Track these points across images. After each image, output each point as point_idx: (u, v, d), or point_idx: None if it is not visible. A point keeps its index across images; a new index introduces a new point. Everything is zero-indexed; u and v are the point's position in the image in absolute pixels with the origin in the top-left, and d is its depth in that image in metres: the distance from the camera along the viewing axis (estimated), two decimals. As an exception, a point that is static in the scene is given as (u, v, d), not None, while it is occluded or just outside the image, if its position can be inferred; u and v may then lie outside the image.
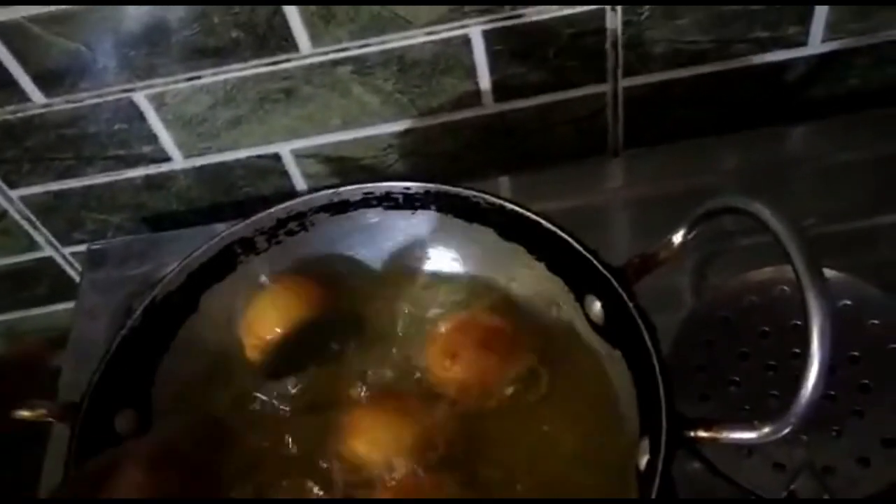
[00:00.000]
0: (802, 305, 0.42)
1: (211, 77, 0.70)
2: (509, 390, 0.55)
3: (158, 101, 0.72)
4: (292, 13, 0.66)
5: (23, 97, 0.70)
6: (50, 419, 0.55)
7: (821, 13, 0.70)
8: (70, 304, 0.89)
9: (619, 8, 0.68)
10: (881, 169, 0.72)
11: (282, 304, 0.58)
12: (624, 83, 0.75)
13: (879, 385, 0.58)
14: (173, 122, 0.74)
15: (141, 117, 0.73)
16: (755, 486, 0.56)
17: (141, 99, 0.71)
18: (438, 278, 0.61)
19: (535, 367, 0.55)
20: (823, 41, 0.73)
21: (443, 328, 0.56)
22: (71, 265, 0.88)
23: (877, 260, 0.67)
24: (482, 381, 0.55)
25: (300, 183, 0.81)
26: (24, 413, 0.55)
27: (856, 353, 0.60)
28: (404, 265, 0.61)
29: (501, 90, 0.74)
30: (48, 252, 0.86)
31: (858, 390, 0.58)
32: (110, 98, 0.71)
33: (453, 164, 0.80)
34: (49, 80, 0.69)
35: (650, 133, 0.79)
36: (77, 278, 0.88)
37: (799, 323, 0.61)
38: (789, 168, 0.74)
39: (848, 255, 0.65)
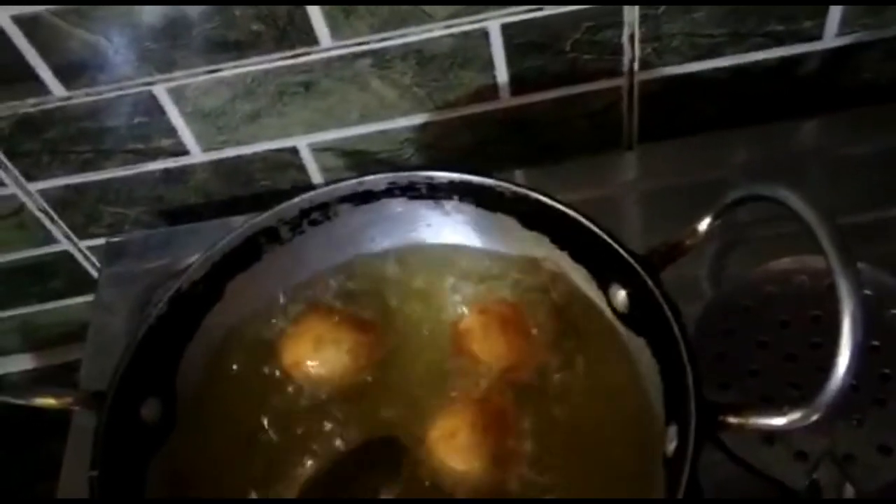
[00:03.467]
0: (833, 291, 0.42)
1: (231, 70, 0.71)
2: (538, 379, 0.55)
3: (178, 94, 0.72)
4: (313, 6, 0.66)
5: (43, 90, 0.70)
6: (76, 407, 0.56)
7: (836, 7, 0.71)
8: (86, 299, 0.89)
9: (636, 1, 0.69)
10: (894, 160, 0.72)
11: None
12: (640, 77, 0.75)
13: (899, 374, 0.59)
14: (193, 116, 0.74)
15: (160, 110, 0.73)
16: (777, 474, 0.56)
17: (161, 92, 0.72)
18: (462, 268, 0.61)
19: (566, 350, 0.55)
20: (838, 35, 0.73)
21: (473, 317, 0.57)
22: (87, 259, 0.88)
23: (893, 251, 0.67)
24: (513, 364, 0.55)
25: (317, 177, 0.81)
26: (50, 401, 0.55)
27: (876, 343, 0.60)
28: (428, 255, 0.61)
29: (518, 83, 0.74)
30: (65, 246, 0.86)
31: (879, 379, 0.59)
32: (130, 91, 0.71)
33: (470, 158, 0.80)
34: (69, 73, 0.69)
35: (665, 126, 0.79)
36: (93, 272, 0.88)
37: (819, 313, 0.62)
38: (803, 161, 0.75)
39: (864, 246, 0.65)
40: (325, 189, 0.60)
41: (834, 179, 0.73)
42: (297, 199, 0.59)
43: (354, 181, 0.59)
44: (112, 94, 0.71)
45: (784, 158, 0.74)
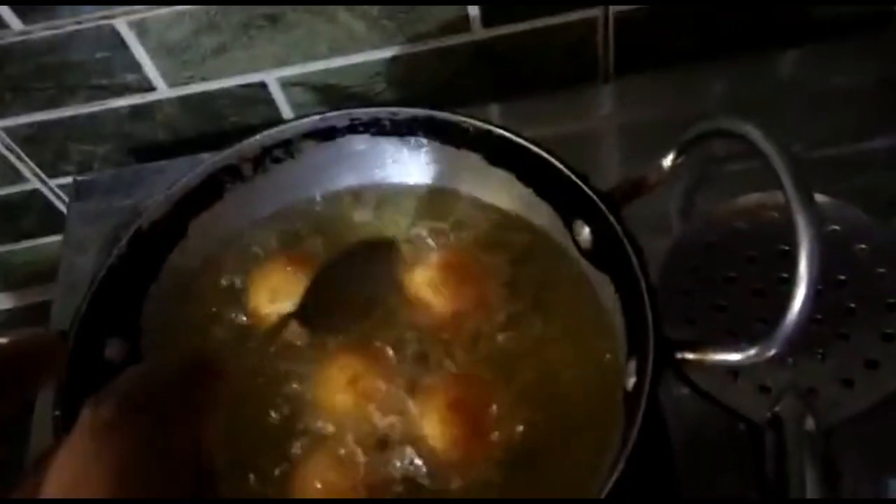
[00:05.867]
0: (791, 227, 0.42)
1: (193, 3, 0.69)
2: (502, 315, 0.55)
3: (140, 28, 0.70)
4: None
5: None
6: (39, 349, 0.55)
7: (815, -67, 0.69)
8: (58, 237, 0.88)
9: (611, -71, 0.67)
10: (871, 94, 0.72)
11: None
12: (615, 8, 0.73)
13: (864, 309, 0.59)
14: (156, 50, 0.72)
15: (123, 45, 0.71)
16: (740, 408, 0.57)
17: (122, 25, 0.70)
18: (427, 204, 0.60)
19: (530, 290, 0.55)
20: (817, -37, 0.71)
21: (432, 261, 0.56)
22: (58, 197, 0.87)
23: (865, 185, 0.67)
24: (474, 310, 0.55)
25: (287, 112, 0.80)
26: (11, 344, 0.55)
27: (842, 278, 0.60)
28: (393, 192, 0.61)
29: (490, 15, 0.73)
30: (35, 184, 0.85)
31: (844, 314, 0.59)
32: (90, 24, 0.69)
33: (442, 92, 0.79)
34: (26, 6, 0.67)
35: (641, 59, 0.78)
36: (64, 210, 0.87)
37: (787, 248, 0.62)
38: (780, 93, 0.74)
39: (837, 179, 0.65)
40: (287, 125, 0.59)
41: (812, 112, 0.72)
42: (258, 136, 0.58)
43: (317, 117, 0.58)
44: (71, 28, 0.69)
45: (761, 90, 0.74)
